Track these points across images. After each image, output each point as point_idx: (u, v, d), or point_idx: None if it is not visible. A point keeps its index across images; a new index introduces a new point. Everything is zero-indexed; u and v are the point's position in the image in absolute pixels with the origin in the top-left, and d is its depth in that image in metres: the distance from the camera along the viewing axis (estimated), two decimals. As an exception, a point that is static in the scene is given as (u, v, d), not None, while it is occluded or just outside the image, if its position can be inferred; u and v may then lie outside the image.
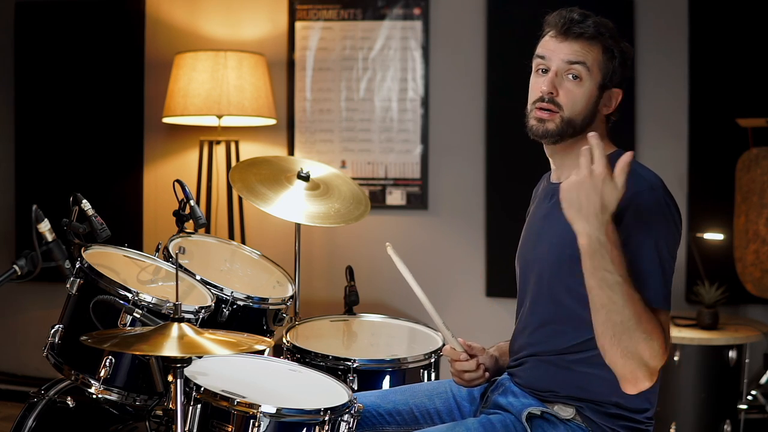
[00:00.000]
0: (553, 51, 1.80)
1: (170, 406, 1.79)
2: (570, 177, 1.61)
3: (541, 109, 1.80)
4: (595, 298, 1.59)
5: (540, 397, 1.86)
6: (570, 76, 1.79)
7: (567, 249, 1.75)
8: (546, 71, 1.81)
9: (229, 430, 1.81)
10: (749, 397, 3.42)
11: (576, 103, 1.79)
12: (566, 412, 1.82)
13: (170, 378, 1.75)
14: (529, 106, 1.84)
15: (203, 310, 2.13)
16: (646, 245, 1.66)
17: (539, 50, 1.84)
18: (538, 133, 1.82)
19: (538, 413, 1.83)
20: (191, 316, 2.08)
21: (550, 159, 1.92)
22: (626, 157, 1.60)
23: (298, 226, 2.91)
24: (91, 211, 2.19)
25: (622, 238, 1.62)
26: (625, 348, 1.57)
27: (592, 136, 1.60)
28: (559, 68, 1.79)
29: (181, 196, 2.54)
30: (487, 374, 1.96)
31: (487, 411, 1.94)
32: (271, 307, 2.46)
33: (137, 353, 1.97)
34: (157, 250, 2.42)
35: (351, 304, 2.86)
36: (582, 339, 1.77)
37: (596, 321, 1.60)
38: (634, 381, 1.61)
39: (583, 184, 1.58)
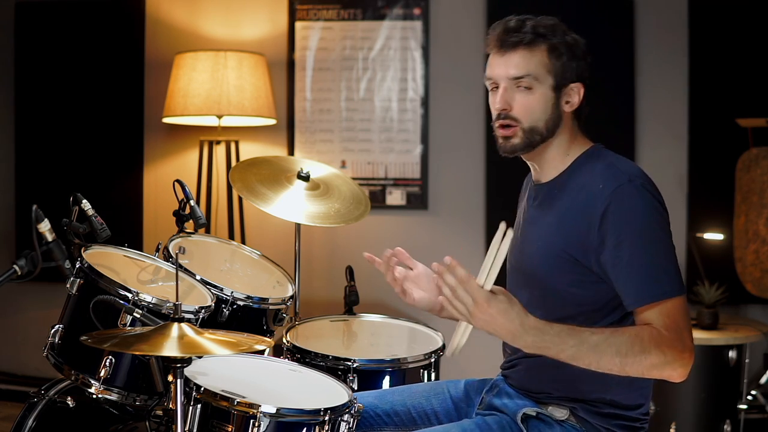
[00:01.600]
0: (497, 67, 1.80)
1: (170, 406, 1.79)
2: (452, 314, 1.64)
3: (501, 126, 1.81)
4: (581, 364, 1.62)
5: (535, 399, 1.86)
6: (520, 87, 1.79)
7: (553, 250, 1.76)
8: (497, 87, 1.82)
9: (229, 430, 1.81)
10: (749, 397, 3.42)
11: (532, 111, 1.79)
12: (560, 413, 1.82)
13: (170, 378, 1.75)
14: (493, 125, 1.85)
15: (203, 310, 2.13)
16: (640, 241, 1.66)
17: (487, 71, 1.84)
18: (506, 150, 1.83)
19: (533, 414, 1.83)
20: (191, 316, 2.08)
21: (529, 165, 1.92)
22: (460, 271, 1.61)
23: (298, 226, 2.91)
24: (91, 211, 2.19)
25: (611, 238, 1.65)
26: (640, 370, 1.61)
27: (454, 265, 1.62)
28: (507, 84, 1.79)
29: (181, 196, 2.54)
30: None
31: (482, 412, 1.94)
32: (271, 307, 2.46)
33: (137, 353, 1.97)
34: (157, 250, 2.42)
35: (351, 304, 2.86)
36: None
37: (601, 371, 1.63)
38: (672, 377, 1.63)
39: (478, 319, 1.60)
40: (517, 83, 1.78)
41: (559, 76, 1.79)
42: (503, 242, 1.65)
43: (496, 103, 1.80)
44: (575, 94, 1.81)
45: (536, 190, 1.89)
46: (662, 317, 1.63)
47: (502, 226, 1.66)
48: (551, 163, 1.85)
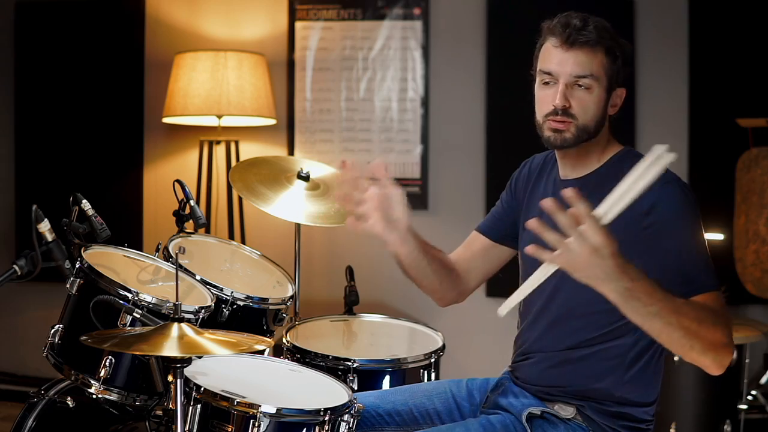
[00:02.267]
0: (559, 64, 1.80)
1: (170, 406, 1.79)
2: (562, 255, 1.47)
3: (554, 120, 1.81)
4: (650, 329, 1.55)
5: (541, 396, 1.86)
6: (579, 86, 1.80)
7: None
8: (553, 83, 1.82)
9: (229, 430, 1.81)
10: (749, 397, 3.42)
11: (588, 110, 1.81)
12: (567, 411, 1.82)
13: (170, 378, 1.75)
14: (540, 118, 1.85)
15: (203, 310, 2.13)
16: (685, 236, 1.70)
17: (544, 65, 1.83)
18: (556, 143, 1.83)
19: (538, 413, 1.83)
20: (191, 316, 2.08)
21: (560, 160, 1.93)
22: (567, 192, 1.45)
23: (298, 226, 2.91)
24: (91, 211, 2.19)
25: (657, 230, 1.68)
26: (701, 349, 1.57)
27: (567, 192, 1.45)
28: (569, 81, 1.80)
29: (181, 196, 2.54)
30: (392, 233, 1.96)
31: (486, 411, 1.94)
32: (271, 307, 2.46)
33: (137, 353, 1.97)
34: (157, 250, 2.42)
35: (351, 304, 2.86)
36: (593, 335, 1.78)
37: (663, 342, 1.57)
38: (721, 366, 1.63)
39: (580, 259, 1.46)
40: (578, 81, 1.80)
41: (612, 79, 1.83)
42: (649, 170, 1.51)
43: (555, 100, 1.80)
44: (618, 98, 1.86)
45: (564, 186, 1.88)
46: (716, 306, 1.64)
47: (660, 149, 1.55)
48: (586, 160, 1.87)
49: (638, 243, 1.69)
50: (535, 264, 1.92)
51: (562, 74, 1.80)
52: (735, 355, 3.27)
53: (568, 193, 1.44)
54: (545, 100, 1.83)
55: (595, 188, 1.80)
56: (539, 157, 2.07)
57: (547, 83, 1.83)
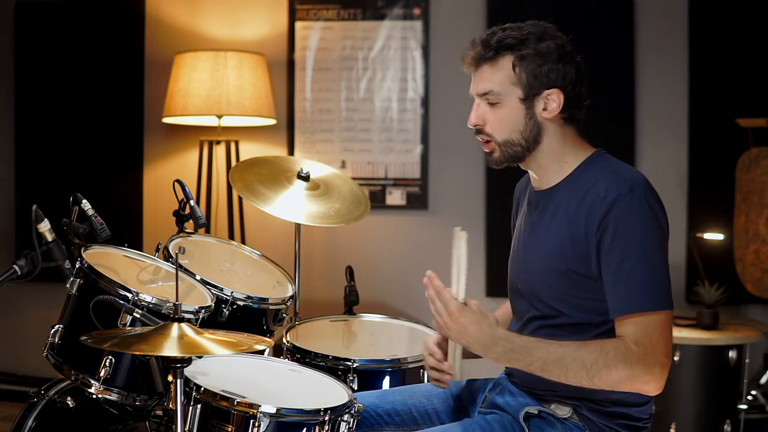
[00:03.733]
0: (471, 85, 1.84)
1: (170, 406, 1.79)
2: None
3: (482, 141, 1.85)
4: (551, 377, 1.68)
5: (538, 396, 1.86)
6: (487, 103, 1.81)
7: (554, 261, 1.77)
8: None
9: (229, 430, 1.81)
10: (749, 397, 3.42)
11: (502, 126, 1.80)
12: (563, 410, 1.82)
13: (170, 378, 1.75)
14: None
15: (203, 310, 2.13)
16: (631, 251, 1.66)
17: None
18: (491, 164, 1.86)
19: (535, 412, 1.83)
20: (191, 316, 2.08)
21: (529, 172, 1.92)
22: (435, 282, 1.75)
23: (298, 226, 2.91)
24: (91, 211, 2.19)
25: (606, 245, 1.67)
26: (609, 384, 1.65)
27: (432, 278, 1.74)
28: (479, 100, 1.82)
29: (181, 196, 2.54)
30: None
31: (484, 411, 1.94)
32: (271, 307, 2.46)
33: (137, 353, 1.97)
34: (157, 250, 2.42)
35: (351, 304, 2.86)
36: (584, 337, 1.77)
37: (572, 384, 1.68)
38: (644, 391, 1.67)
39: (452, 330, 1.72)
40: (485, 99, 1.81)
41: (528, 86, 1.77)
42: (460, 247, 1.75)
43: (470, 120, 1.84)
44: (552, 101, 1.78)
45: (537, 197, 1.88)
46: (636, 330, 1.64)
47: (456, 230, 1.76)
48: (548, 170, 1.84)
49: (595, 253, 1.70)
50: (516, 276, 1.93)
51: (473, 94, 1.84)
52: (735, 354, 3.27)
53: (428, 274, 1.76)
54: None
55: (563, 199, 1.80)
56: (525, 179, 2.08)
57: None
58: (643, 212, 1.68)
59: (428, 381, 2.01)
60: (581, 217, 1.72)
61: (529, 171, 1.91)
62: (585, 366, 1.64)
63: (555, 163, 1.83)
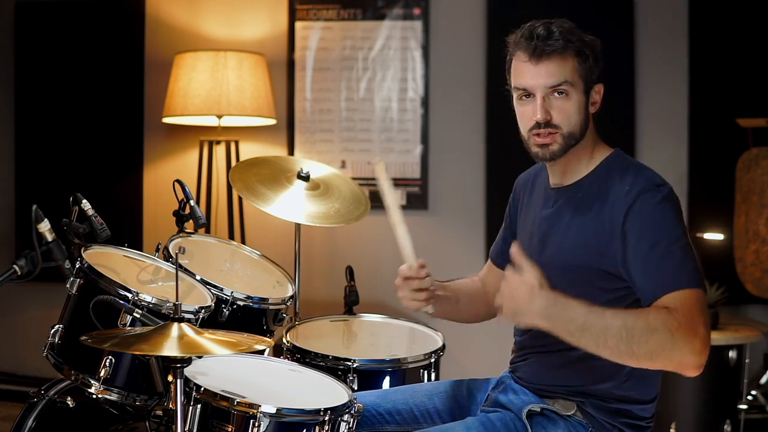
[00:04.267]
0: (533, 78, 1.79)
1: (170, 406, 1.79)
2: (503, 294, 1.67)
3: (539, 135, 1.80)
4: (588, 342, 1.61)
5: (542, 393, 1.86)
6: (557, 95, 1.79)
7: (575, 256, 1.77)
8: (530, 96, 1.81)
9: (229, 430, 1.81)
10: (749, 397, 3.42)
11: (571, 117, 1.80)
12: (567, 408, 1.82)
13: (170, 378, 1.75)
14: (524, 134, 1.84)
15: (203, 310, 2.13)
16: (661, 237, 1.67)
17: (518, 81, 1.82)
18: (545, 157, 1.83)
19: (538, 410, 1.83)
20: (191, 316, 2.08)
21: (549, 168, 1.92)
22: (514, 249, 1.67)
23: (298, 226, 2.91)
24: (91, 211, 2.19)
25: (634, 234, 1.67)
26: (647, 351, 1.58)
27: (513, 248, 1.67)
28: (545, 93, 1.79)
29: (181, 196, 2.54)
30: (430, 302, 1.96)
31: (487, 409, 1.94)
32: (271, 307, 2.46)
33: (137, 353, 1.97)
34: (157, 250, 2.42)
35: (351, 304, 2.86)
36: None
37: (606, 356, 1.61)
38: (681, 368, 1.63)
39: (514, 295, 1.65)
40: (555, 90, 1.78)
41: (587, 79, 1.81)
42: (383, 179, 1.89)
43: (536, 114, 1.78)
44: (597, 94, 1.84)
45: (556, 193, 1.88)
46: (674, 303, 1.62)
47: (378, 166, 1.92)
48: (575, 166, 1.85)
49: (620, 246, 1.70)
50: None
51: (537, 88, 1.78)
52: (735, 354, 3.27)
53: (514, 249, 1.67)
54: (526, 115, 1.82)
55: (586, 195, 1.81)
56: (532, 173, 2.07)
57: (524, 98, 1.82)
58: (670, 204, 1.71)
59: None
60: (606, 212, 1.74)
61: (552, 168, 1.89)
62: (626, 327, 1.57)
63: (585, 158, 1.85)
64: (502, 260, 2.09)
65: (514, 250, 1.66)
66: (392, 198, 1.94)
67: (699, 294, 1.64)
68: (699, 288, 1.65)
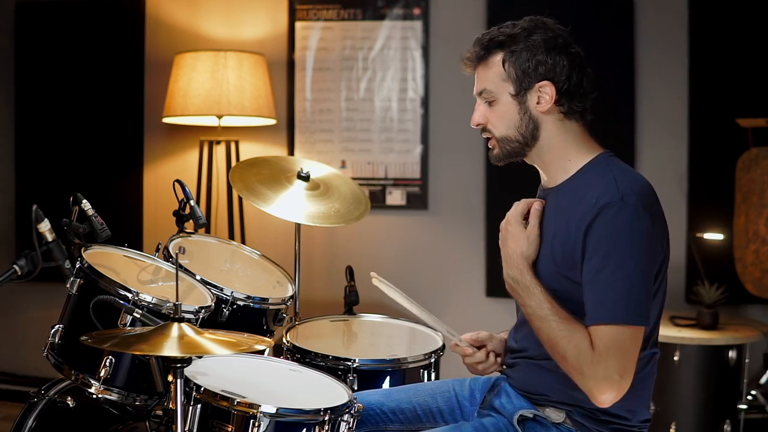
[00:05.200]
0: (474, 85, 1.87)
1: (170, 406, 1.80)
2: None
3: (485, 138, 1.88)
4: (534, 327, 1.75)
5: (532, 400, 1.86)
6: (486, 103, 1.84)
7: (548, 259, 1.76)
8: None
9: (229, 430, 1.81)
10: (749, 397, 3.42)
11: (499, 122, 1.82)
12: (557, 415, 1.81)
13: (170, 378, 1.75)
14: None
15: (203, 310, 2.13)
16: (610, 260, 1.64)
17: None
18: (492, 159, 1.90)
19: (530, 416, 1.83)
20: (191, 316, 2.08)
21: (539, 170, 1.92)
22: (536, 205, 1.82)
23: (298, 226, 2.91)
24: (91, 211, 2.19)
25: (588, 251, 1.67)
26: (561, 365, 1.69)
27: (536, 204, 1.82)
28: (479, 100, 1.86)
29: (181, 196, 2.54)
30: (499, 359, 2.00)
31: (482, 413, 1.94)
32: (271, 307, 2.46)
33: (137, 353, 1.97)
34: (157, 250, 2.42)
35: (351, 304, 2.86)
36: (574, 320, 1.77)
37: (543, 344, 1.74)
38: (591, 395, 1.64)
39: (501, 234, 1.85)
40: (482, 98, 1.84)
41: (518, 81, 1.78)
42: (386, 287, 2.04)
43: (472, 120, 1.88)
44: (545, 93, 1.77)
45: (544, 194, 1.87)
46: (598, 339, 1.62)
47: (375, 280, 2.05)
48: (552, 167, 1.83)
49: (580, 260, 1.69)
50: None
51: (475, 95, 1.88)
52: (735, 354, 3.27)
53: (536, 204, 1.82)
54: None
55: (564, 199, 1.78)
56: None
57: None
58: (631, 223, 1.64)
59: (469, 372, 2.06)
60: (573, 221, 1.71)
61: (536, 167, 1.89)
62: (550, 340, 1.70)
63: (557, 159, 1.81)
64: None
65: (537, 206, 1.81)
66: (407, 302, 2.00)
67: (632, 332, 1.62)
68: (633, 324, 1.62)
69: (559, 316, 1.69)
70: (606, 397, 1.62)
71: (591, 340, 1.63)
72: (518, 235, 1.80)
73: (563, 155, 1.81)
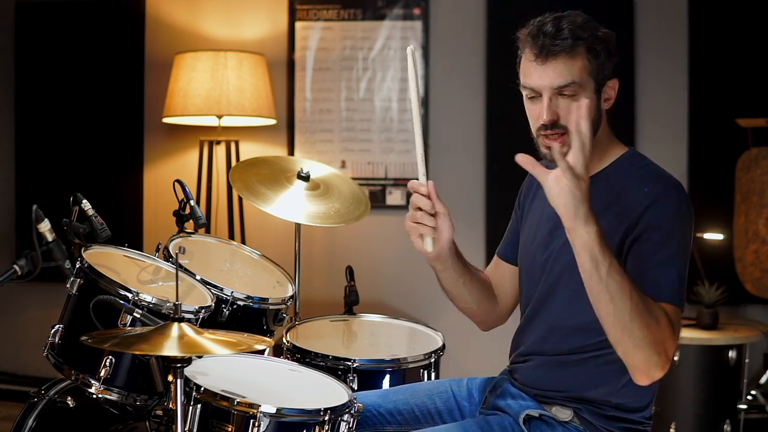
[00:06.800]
0: (540, 78, 1.73)
1: (170, 406, 1.79)
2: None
3: (547, 136, 1.75)
4: (598, 293, 1.56)
5: (539, 398, 1.86)
6: (565, 95, 1.73)
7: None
8: (538, 97, 1.75)
9: (229, 430, 1.81)
10: (749, 397, 3.42)
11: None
12: (564, 414, 1.81)
13: (170, 378, 1.75)
14: (534, 132, 1.79)
15: (203, 310, 2.13)
16: (665, 243, 1.66)
17: (525, 80, 1.77)
18: (548, 158, 1.78)
19: (536, 415, 1.83)
20: (191, 316, 2.08)
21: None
22: (582, 116, 1.55)
23: (298, 226, 2.91)
24: (91, 211, 2.19)
25: (647, 233, 1.65)
26: (636, 338, 1.55)
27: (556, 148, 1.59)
28: (552, 94, 1.73)
29: (181, 196, 2.54)
30: (441, 242, 1.90)
31: (486, 412, 1.94)
32: (271, 307, 2.46)
33: (137, 353, 1.97)
34: (157, 250, 2.42)
35: (351, 304, 2.86)
36: (590, 341, 1.76)
37: (603, 314, 1.57)
38: (647, 370, 1.58)
39: (559, 182, 1.55)
40: (562, 91, 1.72)
41: (599, 76, 1.75)
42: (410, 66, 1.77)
43: (543, 115, 1.73)
44: (611, 90, 1.78)
45: None
46: (670, 318, 1.61)
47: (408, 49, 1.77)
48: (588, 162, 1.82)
49: (629, 241, 1.69)
50: (531, 272, 1.91)
51: (544, 88, 1.72)
52: (735, 354, 3.27)
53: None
54: (533, 115, 1.78)
55: (598, 192, 1.73)
56: (544, 163, 2.03)
57: (532, 97, 1.77)
58: (684, 211, 1.70)
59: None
60: (620, 210, 1.71)
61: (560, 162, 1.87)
62: (634, 300, 1.53)
63: (597, 155, 1.80)
64: (512, 252, 2.06)
65: (557, 149, 1.57)
66: (416, 92, 1.80)
67: (680, 313, 1.66)
68: (680, 305, 1.65)
69: (635, 286, 1.57)
70: (653, 373, 1.58)
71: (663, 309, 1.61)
72: (573, 179, 1.54)
73: (603, 150, 1.82)
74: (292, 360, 2.33)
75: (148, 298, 2.03)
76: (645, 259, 1.66)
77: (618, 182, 1.78)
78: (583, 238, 1.55)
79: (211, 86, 3.65)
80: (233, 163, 3.87)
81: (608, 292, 1.54)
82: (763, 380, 3.58)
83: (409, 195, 4.02)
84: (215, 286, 2.31)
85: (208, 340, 1.76)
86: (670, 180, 1.73)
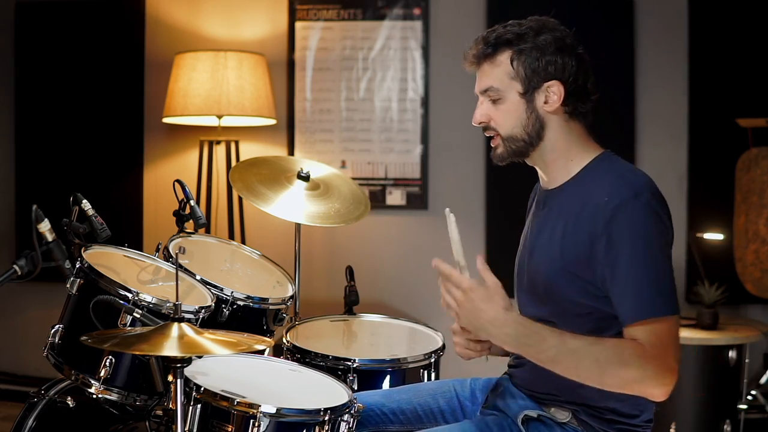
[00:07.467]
0: (476, 84, 1.85)
1: (170, 406, 1.79)
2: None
3: (487, 137, 1.86)
4: (559, 370, 1.64)
5: (538, 400, 1.86)
6: (491, 101, 1.81)
7: (559, 260, 1.75)
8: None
9: (229, 430, 1.81)
10: (749, 397, 3.42)
11: (505, 121, 1.81)
12: (562, 415, 1.81)
13: (170, 378, 1.75)
14: None
15: (203, 310, 2.13)
16: (638, 259, 1.64)
17: None
18: (495, 159, 1.87)
19: (535, 416, 1.83)
20: (191, 316, 2.08)
21: (538, 172, 1.91)
22: (479, 259, 1.69)
23: (298, 226, 2.91)
24: (91, 211, 2.19)
25: (612, 253, 1.65)
26: (618, 383, 1.62)
27: (438, 264, 1.70)
28: (482, 97, 1.84)
29: (181, 196, 2.54)
30: (485, 350, 1.91)
31: (485, 412, 1.94)
32: (271, 307, 2.46)
33: (137, 353, 1.97)
34: (157, 250, 2.42)
35: (351, 304, 2.86)
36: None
37: (580, 380, 1.64)
38: (653, 396, 1.63)
39: (464, 309, 1.66)
40: (488, 96, 1.82)
41: (526, 80, 1.77)
42: (451, 229, 1.77)
43: (474, 118, 1.85)
44: (553, 93, 1.77)
45: (545, 196, 1.87)
46: (648, 335, 1.62)
47: (446, 212, 1.78)
48: (554, 167, 1.83)
49: (599, 260, 1.68)
50: (521, 282, 1.92)
51: (477, 92, 1.85)
52: (735, 354, 3.27)
53: (434, 264, 1.70)
54: None
55: (568, 200, 1.78)
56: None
57: None
58: (648, 218, 1.66)
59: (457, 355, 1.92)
60: (584, 221, 1.70)
61: (537, 168, 1.89)
62: (598, 361, 1.60)
63: (560, 159, 1.81)
64: None
65: (480, 263, 1.68)
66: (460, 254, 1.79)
67: (673, 322, 1.64)
68: (673, 314, 1.64)
69: (590, 339, 1.63)
70: (667, 388, 1.61)
71: (632, 343, 1.62)
72: (486, 295, 1.65)
73: (566, 155, 1.81)
74: (292, 360, 2.33)
75: (148, 298, 2.03)
76: (620, 282, 1.65)
77: (584, 189, 1.76)
78: (519, 340, 1.63)
79: (211, 86, 3.65)
80: (233, 163, 3.87)
81: (568, 367, 1.63)
82: (763, 380, 3.58)
83: (409, 195, 4.03)
84: (215, 286, 2.31)
85: (208, 340, 1.76)
86: (631, 185, 1.68)
